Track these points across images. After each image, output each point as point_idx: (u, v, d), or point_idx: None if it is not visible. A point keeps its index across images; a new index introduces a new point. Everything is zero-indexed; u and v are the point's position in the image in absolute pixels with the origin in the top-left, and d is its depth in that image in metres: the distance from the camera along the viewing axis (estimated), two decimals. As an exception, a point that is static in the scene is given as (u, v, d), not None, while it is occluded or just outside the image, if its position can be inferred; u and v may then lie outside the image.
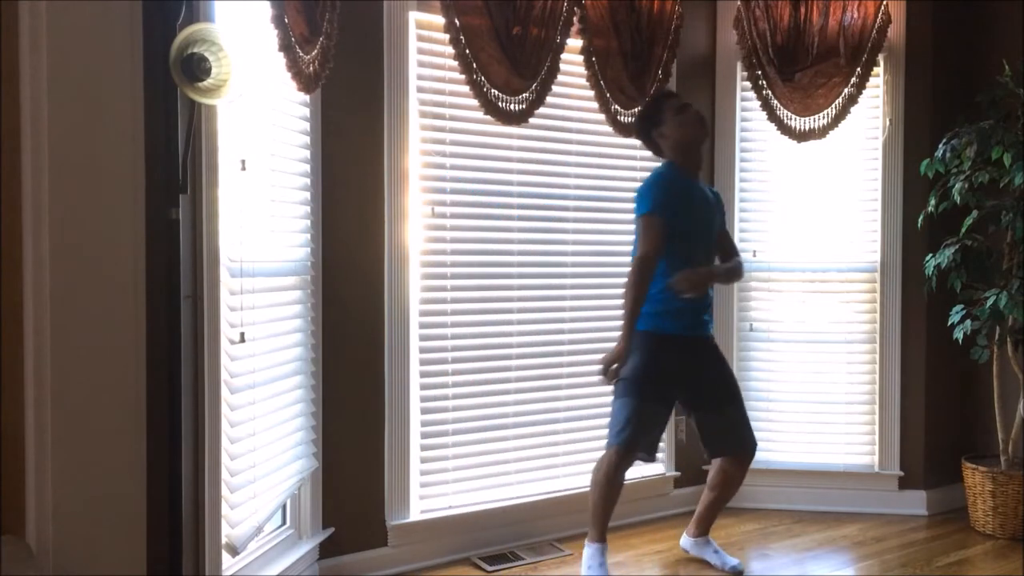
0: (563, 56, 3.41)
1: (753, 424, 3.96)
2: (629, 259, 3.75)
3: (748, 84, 3.87)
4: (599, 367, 3.00)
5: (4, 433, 1.76)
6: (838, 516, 3.87)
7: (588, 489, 3.11)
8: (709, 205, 3.15)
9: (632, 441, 2.99)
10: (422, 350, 3.30)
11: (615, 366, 2.96)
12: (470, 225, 3.40)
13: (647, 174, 3.78)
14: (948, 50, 3.94)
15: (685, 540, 3.39)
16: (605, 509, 3.07)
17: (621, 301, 3.03)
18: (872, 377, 3.94)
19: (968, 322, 3.55)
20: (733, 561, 3.24)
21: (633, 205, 3.10)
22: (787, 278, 4.00)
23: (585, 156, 3.66)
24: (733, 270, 3.27)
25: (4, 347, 1.76)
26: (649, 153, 3.81)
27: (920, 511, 3.90)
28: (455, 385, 3.37)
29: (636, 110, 3.62)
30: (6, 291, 1.77)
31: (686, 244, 3.04)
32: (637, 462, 3.14)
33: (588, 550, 3.10)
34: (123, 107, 1.91)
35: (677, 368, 3.04)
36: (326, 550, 3.08)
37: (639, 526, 3.72)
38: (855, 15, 3.78)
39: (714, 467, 3.27)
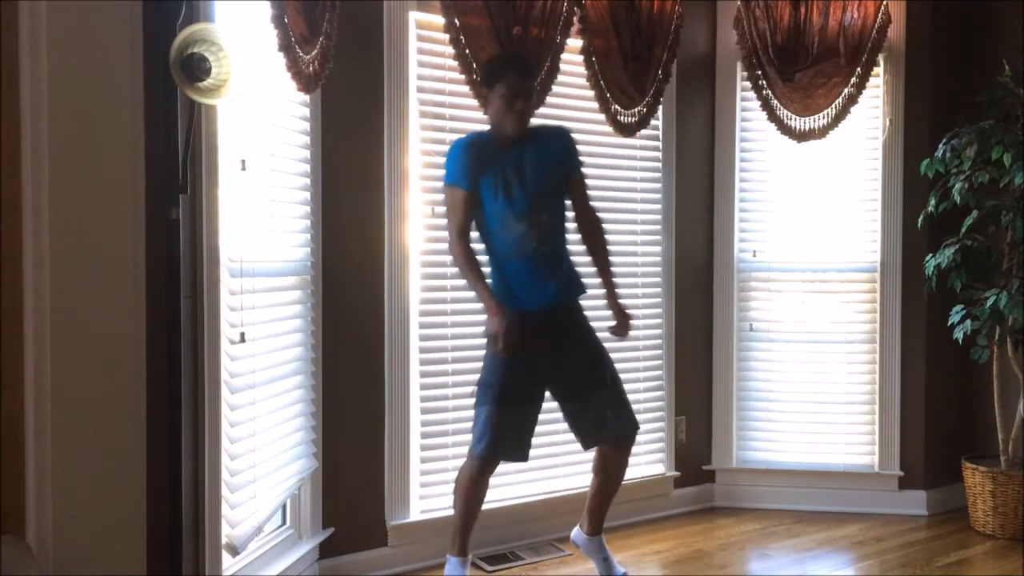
0: (563, 56, 3.41)
1: (753, 424, 4.01)
2: (629, 259, 3.80)
3: (748, 84, 3.87)
4: (487, 343, 2.81)
5: (4, 433, 1.76)
6: (838, 516, 3.87)
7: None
8: (528, 168, 2.84)
9: (492, 449, 2.82)
10: (422, 350, 3.30)
11: (494, 331, 2.74)
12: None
13: (647, 173, 3.83)
14: (948, 50, 3.94)
15: (576, 533, 3.12)
16: (466, 519, 2.89)
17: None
18: (872, 377, 3.94)
19: (968, 322, 3.55)
20: (620, 571, 3.05)
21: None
22: (787, 278, 4.00)
23: (585, 156, 3.64)
24: (606, 257, 2.98)
25: (4, 347, 1.76)
26: (651, 152, 3.84)
27: (920, 511, 3.90)
28: (455, 385, 3.37)
29: (636, 110, 3.63)
30: (6, 291, 1.77)
31: (505, 217, 2.81)
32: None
33: (448, 565, 2.91)
34: (123, 107, 1.91)
35: (531, 353, 2.76)
36: (326, 550, 3.08)
37: (639, 526, 3.72)
38: (855, 15, 3.78)
39: (596, 451, 2.99)
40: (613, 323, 3.00)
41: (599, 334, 2.98)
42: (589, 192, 3.05)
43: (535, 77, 3.02)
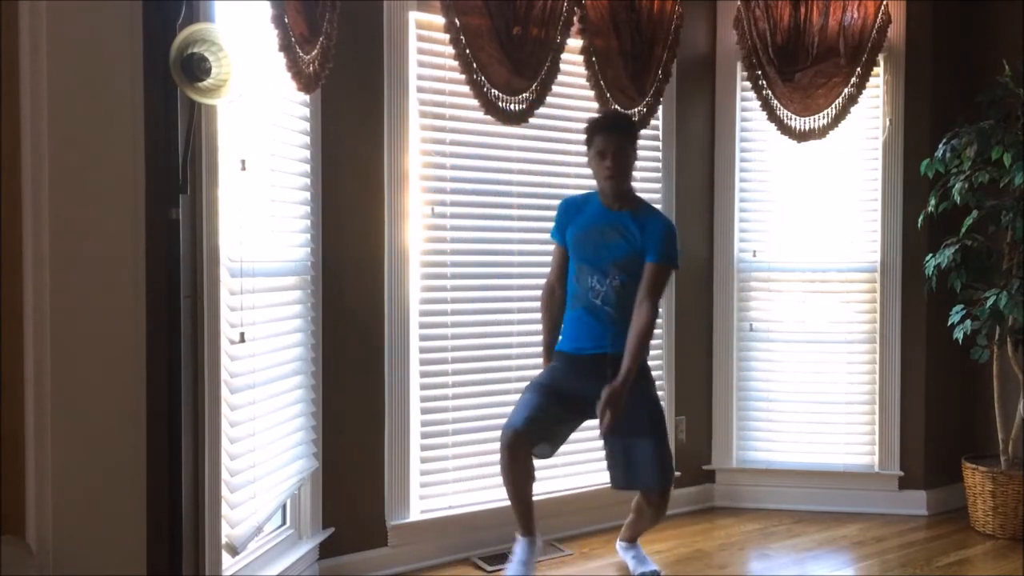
0: (563, 56, 3.41)
1: (753, 424, 4.01)
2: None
3: (748, 84, 3.87)
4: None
5: (4, 433, 1.77)
6: (838, 516, 3.87)
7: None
8: (615, 232, 2.97)
9: (520, 426, 2.85)
10: (422, 350, 3.30)
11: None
12: (470, 225, 3.40)
13: (647, 173, 3.83)
14: (948, 50, 3.94)
15: (618, 544, 3.32)
16: (517, 499, 2.94)
17: None
18: (872, 377, 3.94)
19: (968, 322, 3.55)
20: (651, 567, 3.17)
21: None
22: (787, 278, 4.00)
23: (585, 156, 3.64)
24: (637, 344, 2.89)
25: (4, 347, 1.76)
26: (651, 152, 3.84)
27: (920, 511, 3.90)
28: (455, 385, 3.37)
29: (636, 110, 3.62)
30: (6, 291, 1.77)
31: (580, 270, 3.01)
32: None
33: (516, 545, 3.00)
34: (123, 107, 1.92)
35: (583, 387, 2.86)
36: (326, 550, 3.08)
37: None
38: (855, 15, 3.78)
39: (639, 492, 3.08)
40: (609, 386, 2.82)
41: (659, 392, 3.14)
42: (658, 288, 2.99)
43: (628, 135, 3.02)
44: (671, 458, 3.02)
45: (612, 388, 2.76)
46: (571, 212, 3.07)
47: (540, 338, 3.23)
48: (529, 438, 2.90)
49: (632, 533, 3.26)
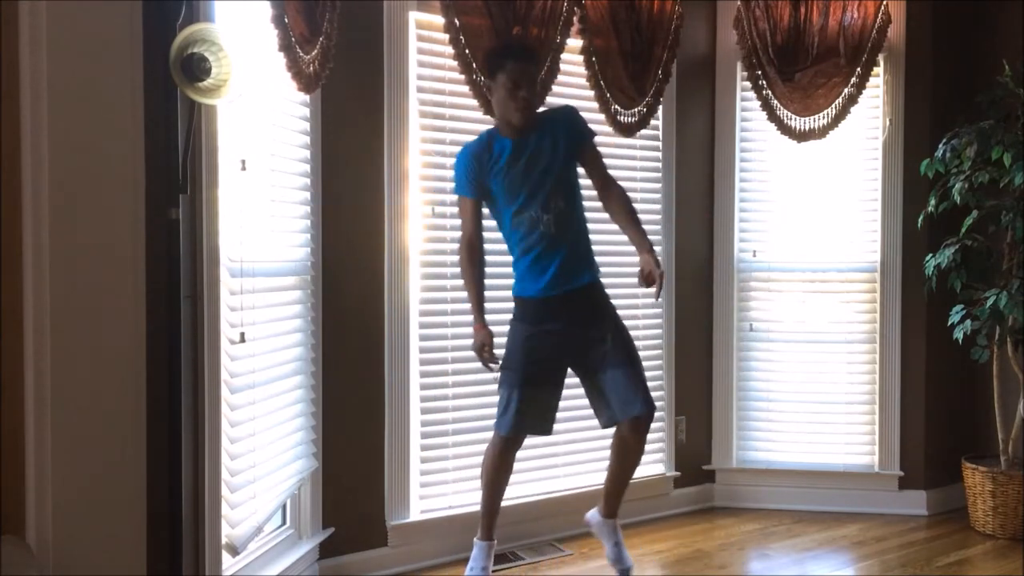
0: (563, 56, 3.41)
1: (753, 424, 4.01)
2: (628, 259, 3.79)
3: (748, 84, 3.87)
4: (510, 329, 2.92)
5: (4, 433, 1.76)
6: (838, 516, 3.87)
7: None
8: (538, 158, 2.87)
9: (515, 427, 2.90)
10: (422, 350, 3.30)
11: (483, 348, 2.92)
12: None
13: (647, 173, 3.83)
14: (948, 50, 3.94)
15: (591, 514, 3.14)
16: (492, 501, 2.97)
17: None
18: (872, 377, 3.94)
19: (968, 322, 3.55)
20: (628, 562, 3.06)
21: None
22: (787, 278, 4.00)
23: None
24: (636, 221, 2.93)
25: (4, 347, 1.76)
26: (651, 152, 3.84)
27: (920, 511, 3.90)
28: (455, 385, 3.37)
29: (636, 110, 3.62)
30: (6, 291, 1.77)
31: (518, 206, 2.87)
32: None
33: (475, 548, 2.99)
34: (123, 107, 1.91)
35: (551, 335, 2.86)
36: (326, 550, 3.08)
37: (639, 526, 3.71)
38: (855, 15, 3.78)
39: (615, 434, 3.00)
40: (641, 272, 2.83)
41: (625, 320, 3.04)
42: (589, 192, 3.04)
43: (536, 63, 2.98)
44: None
45: (649, 260, 2.78)
46: (483, 162, 2.89)
47: None
48: (519, 440, 2.96)
49: (614, 500, 3.06)
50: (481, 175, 2.90)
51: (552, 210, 2.87)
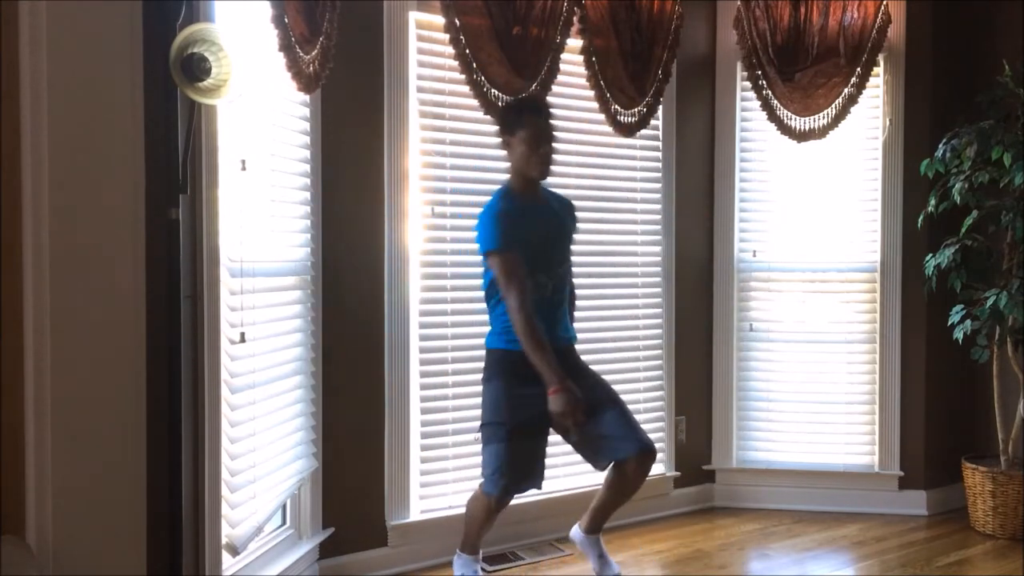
0: (563, 56, 3.41)
1: (753, 424, 4.01)
2: (629, 259, 3.80)
3: (748, 84, 3.87)
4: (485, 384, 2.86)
5: (4, 433, 1.76)
6: (838, 516, 3.87)
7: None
8: (552, 226, 2.92)
9: (508, 488, 2.83)
10: (422, 350, 3.30)
11: (576, 410, 2.72)
12: (470, 225, 3.38)
13: (647, 173, 3.83)
14: (948, 50, 3.94)
15: (574, 531, 3.10)
16: (480, 532, 2.97)
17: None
18: (872, 377, 3.94)
19: (968, 322, 3.55)
20: (615, 569, 3.04)
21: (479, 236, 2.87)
22: (787, 278, 4.00)
23: (585, 156, 3.66)
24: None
25: (4, 347, 1.76)
26: (651, 152, 3.84)
27: (920, 511, 3.90)
28: (455, 385, 3.37)
29: (636, 110, 3.62)
30: (6, 291, 1.77)
31: (532, 261, 2.80)
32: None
33: (460, 563, 2.99)
34: (123, 107, 1.91)
35: (537, 388, 2.72)
36: (326, 550, 3.08)
37: (639, 526, 3.72)
38: (855, 15, 3.78)
39: (613, 468, 2.94)
40: None
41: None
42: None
43: (552, 119, 2.91)
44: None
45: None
46: (512, 218, 2.80)
47: None
48: (513, 495, 2.90)
49: (599, 520, 3.04)
50: (513, 233, 2.76)
51: (555, 277, 2.88)
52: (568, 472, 3.62)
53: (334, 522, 3.08)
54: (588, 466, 3.62)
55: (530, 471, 2.85)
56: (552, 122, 2.87)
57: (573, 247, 3.03)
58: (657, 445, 3.79)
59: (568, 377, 2.74)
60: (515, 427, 2.78)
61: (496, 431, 2.80)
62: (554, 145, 2.86)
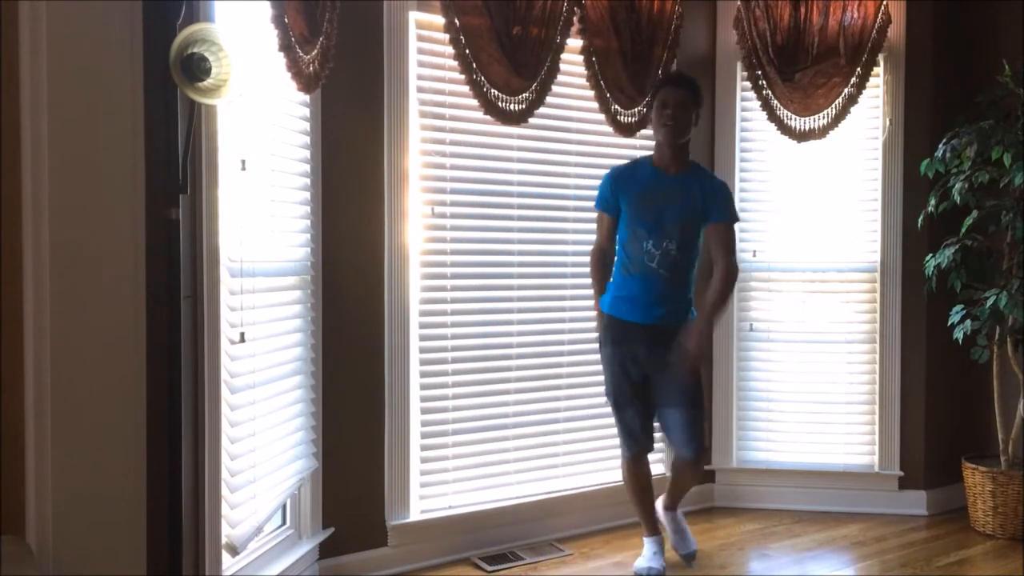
0: (563, 56, 3.41)
1: (753, 424, 4.01)
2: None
3: (748, 84, 3.87)
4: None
5: (4, 433, 1.76)
6: (838, 516, 3.87)
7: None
8: (674, 195, 3.09)
9: (630, 446, 3.18)
10: (422, 350, 3.30)
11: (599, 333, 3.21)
12: (470, 225, 3.40)
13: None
14: (948, 50, 3.94)
15: (657, 504, 3.38)
16: (636, 504, 3.24)
17: None
18: (872, 377, 3.94)
19: (968, 322, 3.55)
20: (691, 547, 3.35)
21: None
22: (787, 278, 4.00)
23: (585, 156, 3.66)
24: (718, 299, 3.13)
25: (4, 347, 1.76)
26: (650, 152, 3.83)
27: (920, 511, 3.90)
28: (455, 385, 3.37)
29: (636, 110, 3.62)
30: (6, 291, 1.77)
31: (635, 235, 3.09)
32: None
33: (645, 544, 3.25)
34: (123, 107, 1.91)
35: (637, 355, 3.09)
36: (326, 550, 3.08)
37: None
38: (855, 15, 3.78)
39: (674, 457, 3.33)
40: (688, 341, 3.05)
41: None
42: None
43: (693, 93, 3.12)
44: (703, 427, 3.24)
45: (695, 347, 3.03)
46: (622, 180, 3.14)
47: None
48: (643, 453, 3.19)
49: (672, 498, 3.37)
50: (617, 193, 3.14)
51: (664, 251, 3.06)
52: (568, 472, 3.63)
53: (334, 522, 3.08)
54: (588, 466, 3.67)
55: (640, 433, 3.16)
56: (686, 93, 3.09)
57: (717, 236, 3.12)
58: (657, 445, 3.82)
59: (650, 356, 3.07)
60: (620, 392, 3.15)
61: (609, 397, 3.20)
62: (687, 113, 3.08)
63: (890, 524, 3.78)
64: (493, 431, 3.46)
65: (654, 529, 3.24)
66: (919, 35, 3.87)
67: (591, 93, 3.53)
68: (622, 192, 3.13)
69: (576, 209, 3.62)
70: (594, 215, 3.41)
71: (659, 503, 3.36)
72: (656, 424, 3.21)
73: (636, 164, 3.22)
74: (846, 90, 3.80)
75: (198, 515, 2.36)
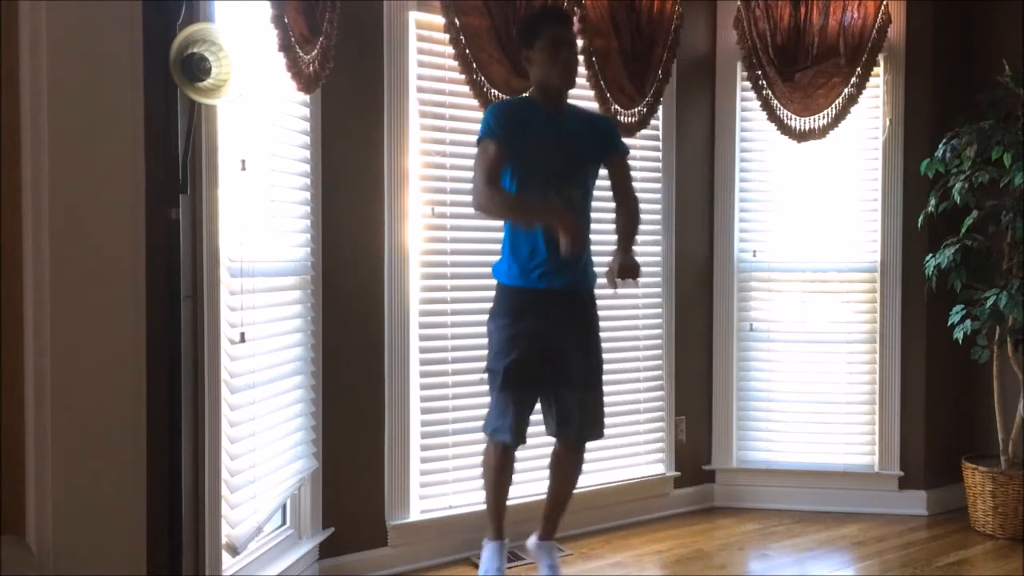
0: (563, 56, 3.41)
1: (753, 424, 4.01)
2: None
3: (748, 84, 3.87)
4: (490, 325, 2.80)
5: (4, 433, 1.76)
6: (838, 516, 3.87)
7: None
8: (570, 138, 2.79)
9: (511, 435, 2.77)
10: (422, 350, 3.30)
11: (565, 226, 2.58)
12: (470, 225, 3.40)
13: (647, 173, 3.82)
14: (948, 50, 3.94)
15: (530, 540, 3.07)
16: (496, 501, 2.92)
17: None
18: (872, 377, 3.94)
19: (968, 322, 3.55)
20: None
21: None
22: (787, 278, 4.00)
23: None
24: (635, 225, 2.85)
25: (4, 347, 1.76)
26: (651, 152, 3.84)
27: (920, 511, 3.90)
28: (455, 385, 3.37)
29: (636, 110, 3.63)
30: (6, 291, 1.76)
31: (531, 187, 2.73)
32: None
33: (485, 549, 2.96)
34: (123, 107, 1.91)
35: (544, 328, 2.74)
36: (326, 550, 3.08)
37: (639, 526, 3.72)
38: (855, 15, 3.78)
39: (552, 452, 3.00)
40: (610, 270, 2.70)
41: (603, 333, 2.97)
42: (631, 177, 2.96)
43: (572, 28, 2.87)
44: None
45: (626, 263, 2.67)
46: (514, 120, 2.72)
47: None
48: (517, 442, 2.82)
49: (550, 523, 3.01)
50: (509, 128, 2.69)
51: (568, 199, 2.74)
52: (568, 472, 3.62)
53: (334, 522, 3.08)
54: (587, 466, 3.63)
55: (513, 420, 2.77)
56: (570, 30, 2.82)
57: (618, 171, 2.87)
58: (657, 445, 3.84)
59: (559, 326, 2.71)
60: (503, 374, 2.75)
61: (490, 376, 2.82)
62: (576, 54, 2.80)
63: (890, 524, 3.78)
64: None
65: (502, 533, 2.95)
66: (919, 35, 3.87)
67: (591, 93, 3.53)
68: (513, 137, 2.68)
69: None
70: (595, 215, 3.40)
71: (532, 538, 3.05)
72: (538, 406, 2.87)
73: (520, 106, 2.84)
74: (846, 90, 3.80)
75: (198, 515, 2.36)
